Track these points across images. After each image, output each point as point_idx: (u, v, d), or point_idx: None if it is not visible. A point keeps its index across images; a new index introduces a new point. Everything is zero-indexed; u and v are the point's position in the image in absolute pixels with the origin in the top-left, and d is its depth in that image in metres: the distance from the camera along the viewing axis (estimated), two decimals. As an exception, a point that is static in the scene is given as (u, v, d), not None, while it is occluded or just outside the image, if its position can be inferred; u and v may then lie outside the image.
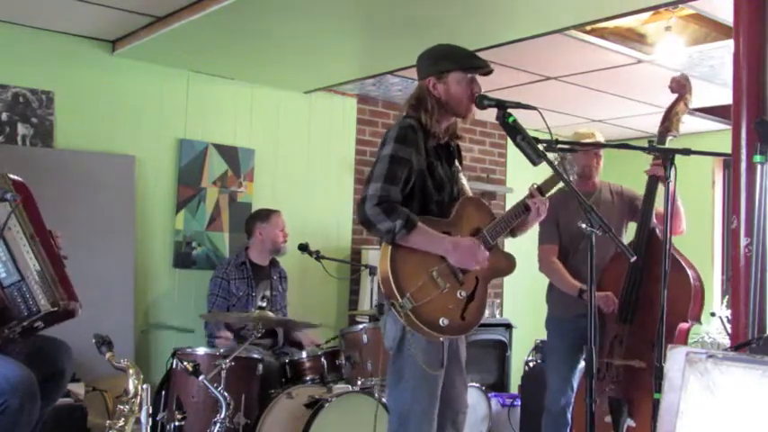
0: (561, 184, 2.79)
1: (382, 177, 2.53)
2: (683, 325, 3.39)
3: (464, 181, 2.86)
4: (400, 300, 2.47)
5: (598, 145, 3.70)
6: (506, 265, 2.80)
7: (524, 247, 3.79)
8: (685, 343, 3.45)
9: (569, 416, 3.70)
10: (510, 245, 2.92)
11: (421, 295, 2.50)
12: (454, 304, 2.60)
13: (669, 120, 3.46)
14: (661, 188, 3.46)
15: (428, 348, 2.58)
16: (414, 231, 2.49)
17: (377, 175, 2.54)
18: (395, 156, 2.56)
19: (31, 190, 3.02)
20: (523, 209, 2.77)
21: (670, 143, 3.42)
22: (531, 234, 3.88)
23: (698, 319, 3.46)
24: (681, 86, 3.48)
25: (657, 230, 3.50)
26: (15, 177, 2.99)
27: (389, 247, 2.51)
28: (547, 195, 2.82)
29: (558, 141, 2.95)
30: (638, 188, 3.84)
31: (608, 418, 3.42)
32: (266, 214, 4.73)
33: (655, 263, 3.28)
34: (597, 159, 3.84)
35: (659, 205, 3.57)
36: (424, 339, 2.56)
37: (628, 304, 3.44)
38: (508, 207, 2.93)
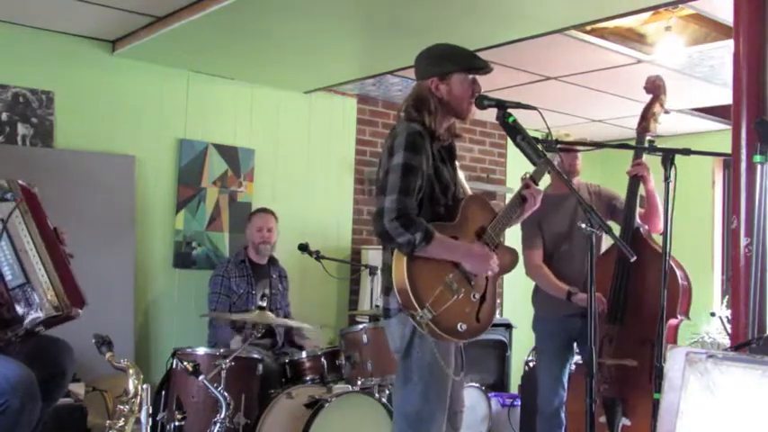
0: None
1: (397, 189, 2.49)
2: (673, 321, 3.44)
3: (462, 178, 2.86)
4: (420, 311, 2.46)
5: (597, 145, 3.71)
6: (510, 260, 2.81)
7: (521, 249, 3.79)
8: (676, 338, 3.52)
9: (563, 416, 3.71)
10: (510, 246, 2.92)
11: (439, 304, 2.50)
12: (470, 308, 2.61)
13: (646, 120, 3.53)
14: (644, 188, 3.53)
15: (440, 351, 2.57)
16: (432, 242, 2.48)
17: (391, 187, 2.51)
18: (407, 164, 2.52)
19: (37, 195, 3.03)
20: (520, 201, 2.78)
21: (649, 143, 3.47)
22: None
23: (687, 315, 3.51)
24: (655, 87, 3.53)
25: (641, 230, 3.54)
26: (22, 183, 3.01)
27: (404, 259, 2.49)
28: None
29: (557, 141, 2.96)
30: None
31: (602, 418, 3.42)
32: (252, 213, 4.79)
33: (640, 262, 3.29)
34: (578, 160, 3.86)
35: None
36: (434, 342, 2.55)
37: (616, 304, 3.48)
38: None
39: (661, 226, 3.64)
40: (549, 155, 2.71)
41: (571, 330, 3.66)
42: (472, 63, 2.71)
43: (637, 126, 3.54)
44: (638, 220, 3.57)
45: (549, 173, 2.96)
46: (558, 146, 3.20)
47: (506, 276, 2.81)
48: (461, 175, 2.87)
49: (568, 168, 3.78)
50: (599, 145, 3.71)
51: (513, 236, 3.29)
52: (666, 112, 3.62)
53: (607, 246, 3.81)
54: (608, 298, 3.49)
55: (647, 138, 3.54)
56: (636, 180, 3.52)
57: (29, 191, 3.01)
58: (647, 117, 3.53)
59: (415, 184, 2.53)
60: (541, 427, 3.77)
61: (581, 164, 3.86)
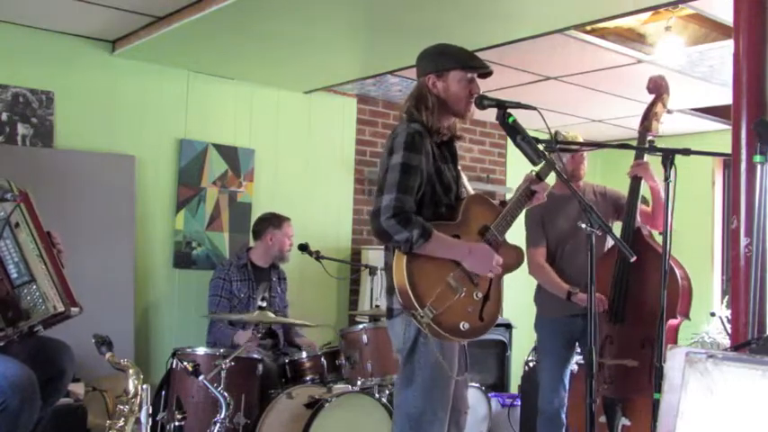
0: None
1: (395, 187, 2.49)
2: (673, 321, 3.43)
3: (465, 180, 2.86)
4: (420, 310, 2.45)
5: (598, 145, 3.71)
6: (515, 259, 2.78)
7: (525, 247, 3.79)
8: (676, 338, 3.51)
9: (564, 416, 3.70)
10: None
11: (440, 303, 2.49)
12: (472, 307, 2.60)
13: (648, 120, 3.51)
14: (645, 187, 3.51)
15: (443, 352, 2.57)
16: (430, 240, 2.47)
17: (389, 185, 2.50)
18: (406, 164, 2.52)
19: (31, 198, 3.04)
20: (529, 195, 2.77)
21: (649, 143, 3.46)
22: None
23: (687, 315, 3.49)
24: (658, 86, 3.51)
25: (643, 230, 3.53)
26: (19, 187, 3.02)
27: (404, 258, 2.48)
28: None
29: (557, 141, 2.96)
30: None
31: (602, 418, 3.42)
32: (279, 221, 4.65)
33: (641, 262, 3.28)
34: (584, 161, 3.87)
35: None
36: (438, 342, 2.55)
37: (617, 304, 3.47)
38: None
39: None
40: (551, 155, 2.70)
41: (573, 331, 3.66)
42: (470, 62, 2.72)
43: (639, 126, 3.53)
44: (639, 219, 3.55)
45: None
46: (559, 146, 3.19)
47: (506, 276, 2.79)
48: (464, 177, 2.87)
49: (572, 172, 3.78)
50: (599, 145, 3.70)
51: (516, 234, 3.25)
52: (669, 112, 3.60)
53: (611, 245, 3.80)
54: (609, 298, 3.49)
55: (649, 138, 3.53)
56: (637, 180, 3.52)
57: (26, 194, 3.02)
58: (648, 117, 3.51)
59: (414, 183, 2.53)
60: (542, 429, 3.77)
61: (585, 168, 3.86)
